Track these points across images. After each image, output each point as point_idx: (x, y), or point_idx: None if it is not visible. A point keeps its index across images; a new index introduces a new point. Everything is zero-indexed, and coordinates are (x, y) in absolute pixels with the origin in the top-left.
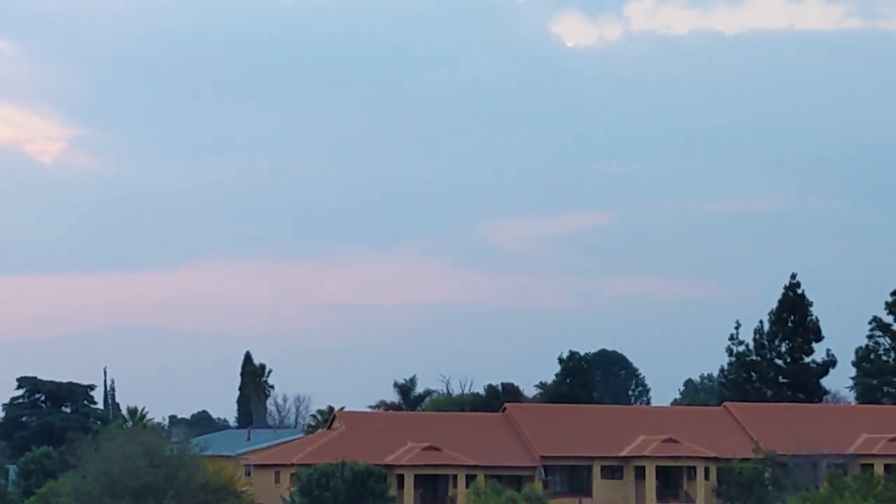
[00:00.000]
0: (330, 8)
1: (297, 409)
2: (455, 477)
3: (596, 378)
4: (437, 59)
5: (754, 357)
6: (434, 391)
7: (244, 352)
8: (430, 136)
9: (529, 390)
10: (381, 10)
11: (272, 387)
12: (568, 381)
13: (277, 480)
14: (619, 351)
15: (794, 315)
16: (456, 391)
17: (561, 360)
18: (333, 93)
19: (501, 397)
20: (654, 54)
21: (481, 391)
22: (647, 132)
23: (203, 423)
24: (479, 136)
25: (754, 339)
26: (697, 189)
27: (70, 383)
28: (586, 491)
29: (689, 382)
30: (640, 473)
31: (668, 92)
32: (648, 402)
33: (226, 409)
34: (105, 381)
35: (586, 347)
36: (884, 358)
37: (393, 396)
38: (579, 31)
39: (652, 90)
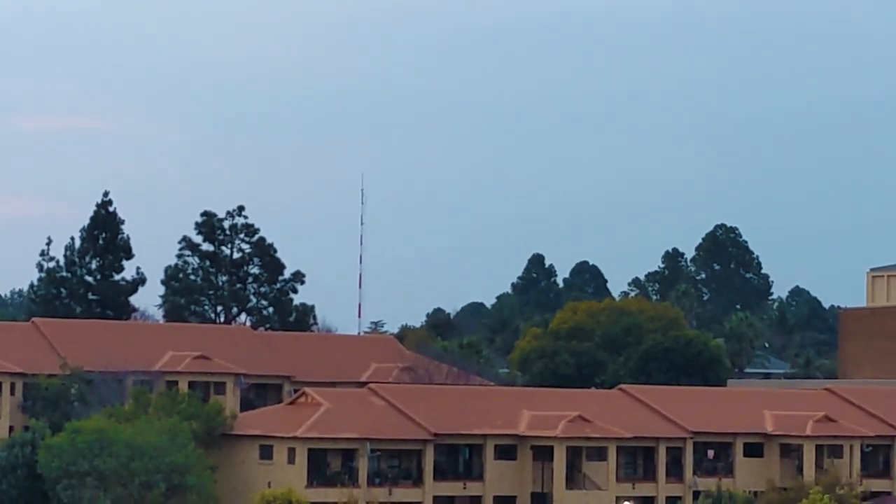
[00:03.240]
0: None
1: None
2: None
3: None
4: None
5: (65, 273)
6: None
7: None
8: None
9: None
10: None
11: None
12: None
13: None
14: None
15: (105, 233)
16: None
17: None
18: None
19: None
20: None
21: None
22: None
23: None
24: None
25: (65, 256)
26: (12, 104)
27: None
28: None
29: None
30: None
31: None
32: None
33: None
34: None
35: None
36: (192, 277)
37: None
38: None
39: None
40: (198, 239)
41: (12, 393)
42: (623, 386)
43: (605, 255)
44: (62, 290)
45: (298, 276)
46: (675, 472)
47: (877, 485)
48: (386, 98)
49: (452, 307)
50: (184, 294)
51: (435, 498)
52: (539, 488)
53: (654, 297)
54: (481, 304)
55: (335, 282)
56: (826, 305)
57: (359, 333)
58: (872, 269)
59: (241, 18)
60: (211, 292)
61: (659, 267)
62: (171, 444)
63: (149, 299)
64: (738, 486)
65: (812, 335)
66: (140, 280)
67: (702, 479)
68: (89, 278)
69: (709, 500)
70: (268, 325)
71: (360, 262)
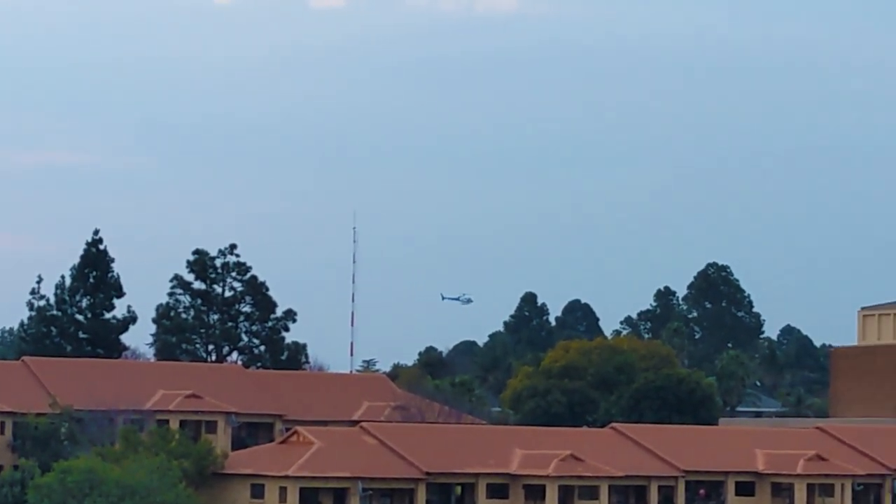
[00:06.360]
0: None
1: None
2: None
3: None
4: None
5: (55, 312)
6: None
7: None
8: None
9: None
10: None
11: None
12: None
13: None
14: None
15: (96, 271)
16: None
17: None
18: None
19: None
20: None
21: None
22: None
23: None
24: None
25: (56, 294)
26: (2, 139)
27: None
28: None
29: None
30: None
31: None
32: None
33: None
34: None
35: None
36: (183, 315)
37: None
38: None
39: None
40: (189, 277)
41: (2, 432)
42: (615, 424)
43: (597, 294)
44: (52, 328)
45: (290, 315)
46: None
47: None
48: (378, 134)
49: (445, 346)
50: (175, 332)
51: None
52: None
53: (646, 336)
54: (473, 343)
55: (327, 320)
56: (817, 344)
57: (351, 372)
58: (863, 308)
59: (235, 55)
60: (202, 331)
61: (651, 305)
62: (162, 483)
63: (140, 338)
64: None
65: (803, 374)
66: (131, 318)
67: None
68: (80, 317)
69: None
70: (259, 364)
71: (353, 300)
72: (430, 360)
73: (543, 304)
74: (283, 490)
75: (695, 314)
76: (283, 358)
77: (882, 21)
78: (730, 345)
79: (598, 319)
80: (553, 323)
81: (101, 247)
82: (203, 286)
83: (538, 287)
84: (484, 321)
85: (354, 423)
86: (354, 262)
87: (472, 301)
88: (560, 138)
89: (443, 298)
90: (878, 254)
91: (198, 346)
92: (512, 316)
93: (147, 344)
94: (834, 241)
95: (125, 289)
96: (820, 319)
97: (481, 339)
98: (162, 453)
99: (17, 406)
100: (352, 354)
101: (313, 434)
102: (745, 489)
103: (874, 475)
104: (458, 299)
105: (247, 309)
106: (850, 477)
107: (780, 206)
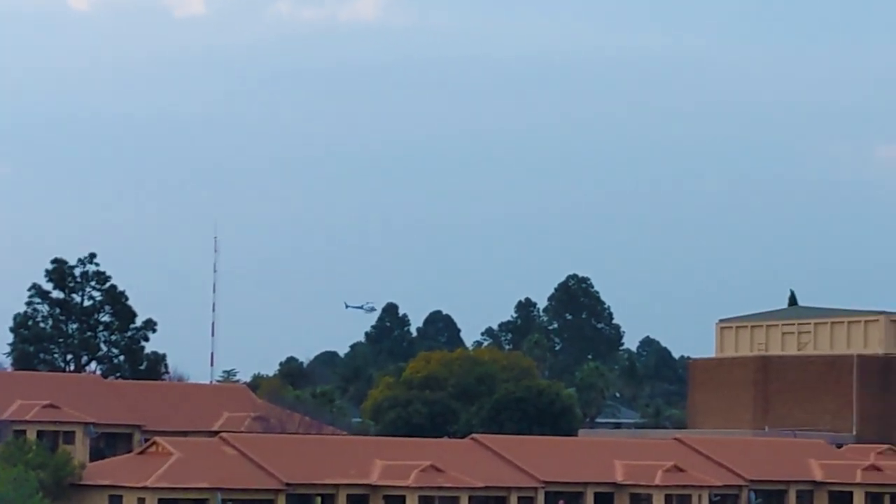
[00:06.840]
0: None
1: None
2: None
3: None
4: None
5: None
6: None
7: None
8: None
9: None
10: None
11: None
12: None
13: None
14: None
15: None
16: None
17: None
18: None
19: None
20: None
21: None
22: None
23: None
24: None
25: None
26: None
27: None
28: None
29: None
30: None
31: None
32: None
33: None
34: None
35: None
36: (42, 325)
37: None
38: None
39: None
40: (48, 286)
41: None
42: (475, 435)
43: (458, 305)
44: None
45: (150, 325)
46: None
47: None
48: (238, 143)
49: (305, 356)
50: (33, 342)
51: None
52: None
53: (507, 347)
54: (335, 353)
55: (187, 330)
56: (676, 356)
57: (211, 382)
58: (721, 321)
59: (96, 62)
60: (61, 340)
61: (512, 317)
62: (18, 494)
63: None
64: None
65: (662, 385)
66: None
67: None
68: None
69: None
70: (118, 374)
71: (213, 310)
72: (291, 371)
73: (405, 315)
74: (141, 501)
75: (555, 326)
76: (143, 368)
77: (744, 33)
78: (590, 356)
79: (459, 331)
80: (414, 334)
81: None
82: (62, 295)
83: (399, 298)
84: (345, 331)
85: (214, 433)
86: (215, 271)
87: (375, 309)
88: (420, 148)
89: (346, 307)
90: (735, 267)
91: (56, 355)
92: (373, 326)
93: (4, 353)
94: (692, 254)
95: None
96: (678, 332)
97: (342, 350)
98: (19, 464)
99: None
100: (212, 364)
101: (172, 445)
102: (604, 500)
103: (731, 486)
104: (361, 307)
105: (106, 318)
106: (707, 488)
107: (640, 219)
